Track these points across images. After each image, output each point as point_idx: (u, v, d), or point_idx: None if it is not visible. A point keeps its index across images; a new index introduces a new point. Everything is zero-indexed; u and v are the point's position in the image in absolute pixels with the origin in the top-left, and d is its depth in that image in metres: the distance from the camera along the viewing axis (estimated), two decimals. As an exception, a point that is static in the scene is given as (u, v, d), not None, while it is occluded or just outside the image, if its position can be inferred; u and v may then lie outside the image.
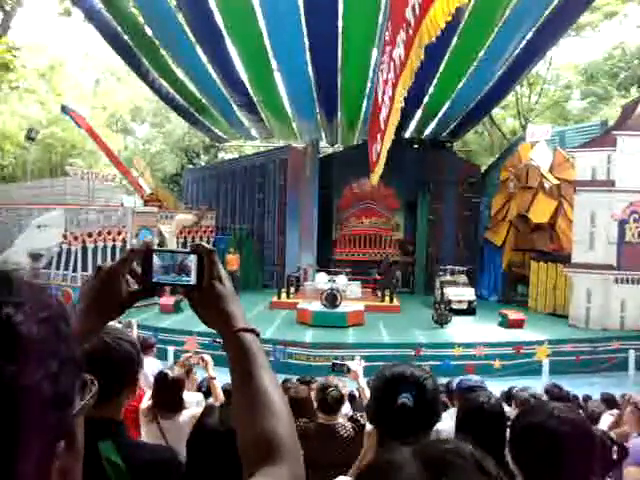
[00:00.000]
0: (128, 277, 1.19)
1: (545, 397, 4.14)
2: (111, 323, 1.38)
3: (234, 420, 1.12)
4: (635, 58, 32.01)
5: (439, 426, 3.45)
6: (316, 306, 17.12)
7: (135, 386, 1.92)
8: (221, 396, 4.61)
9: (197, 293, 1.20)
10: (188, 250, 1.21)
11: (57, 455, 0.71)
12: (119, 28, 17.82)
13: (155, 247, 1.22)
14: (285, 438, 1.03)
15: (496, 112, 32.12)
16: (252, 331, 1.16)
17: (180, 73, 20.47)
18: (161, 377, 4.02)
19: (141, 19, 17.43)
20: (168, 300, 18.46)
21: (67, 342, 0.73)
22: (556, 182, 19.81)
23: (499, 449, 2.29)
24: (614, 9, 28.69)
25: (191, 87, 21.25)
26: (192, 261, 1.20)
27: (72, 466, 0.75)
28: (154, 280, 1.20)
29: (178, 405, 3.96)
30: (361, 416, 3.98)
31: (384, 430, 1.86)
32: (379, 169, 14.29)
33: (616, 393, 8.03)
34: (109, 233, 18.61)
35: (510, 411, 5.21)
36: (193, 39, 17.14)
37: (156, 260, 1.20)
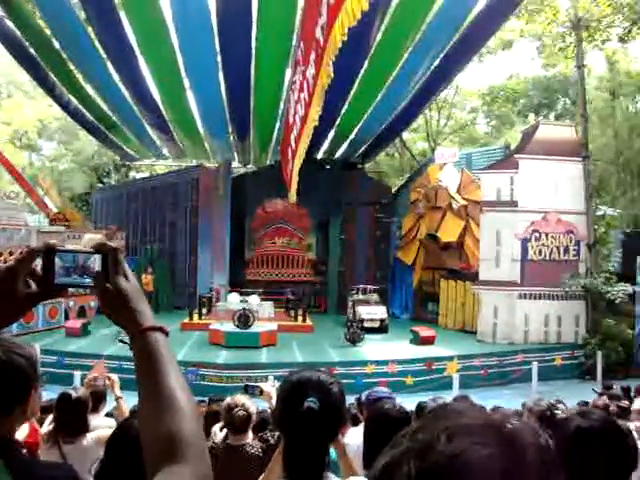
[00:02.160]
0: (28, 279, 1.13)
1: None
2: (7, 337, 1.30)
3: (138, 419, 1.07)
4: (531, 88, 33.82)
5: (347, 440, 3.46)
6: (228, 327, 16.91)
7: (28, 404, 1.81)
8: (127, 415, 4.44)
9: (103, 291, 1.14)
10: (91, 250, 1.16)
11: None
12: (23, 39, 17.13)
13: (57, 247, 1.16)
14: (189, 436, 0.99)
15: (406, 135, 32.99)
16: (160, 329, 1.13)
17: (90, 89, 19.89)
18: (63, 398, 3.83)
19: (48, 31, 16.82)
20: (74, 323, 17.83)
21: None
22: (463, 202, 20.48)
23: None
24: (511, 38, 30.13)
25: (101, 104, 20.67)
26: (95, 261, 1.15)
27: None
28: (56, 282, 1.14)
29: (82, 428, 3.76)
30: (271, 436, 3.93)
31: (290, 435, 1.85)
32: (293, 188, 14.36)
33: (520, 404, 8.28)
34: (11, 254, 17.69)
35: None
36: (104, 54, 16.70)
37: (58, 261, 1.14)
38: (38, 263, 1.16)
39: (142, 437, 1.03)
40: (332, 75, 7.56)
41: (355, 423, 4.85)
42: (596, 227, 18.87)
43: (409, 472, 0.67)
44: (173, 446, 0.98)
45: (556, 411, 3.74)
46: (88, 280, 1.16)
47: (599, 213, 19.77)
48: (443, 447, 0.67)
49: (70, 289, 1.22)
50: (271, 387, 3.66)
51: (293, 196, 15.14)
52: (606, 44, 22.00)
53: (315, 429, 1.77)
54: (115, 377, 4.56)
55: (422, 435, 0.71)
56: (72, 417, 3.73)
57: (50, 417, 3.92)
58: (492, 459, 0.66)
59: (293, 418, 1.79)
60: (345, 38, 6.58)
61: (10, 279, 1.11)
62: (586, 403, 6.69)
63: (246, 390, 3.94)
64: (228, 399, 3.95)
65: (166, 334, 1.14)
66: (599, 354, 16.80)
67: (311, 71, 8.82)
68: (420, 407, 5.77)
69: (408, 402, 7.92)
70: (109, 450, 2.03)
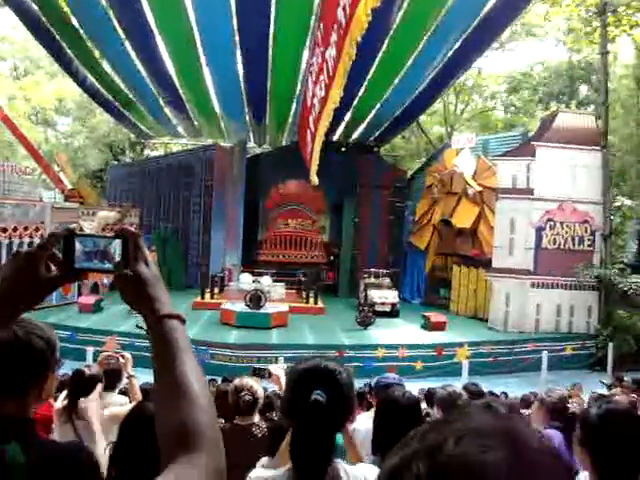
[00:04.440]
0: (49, 263, 1.13)
1: (465, 394, 4.21)
2: (28, 316, 1.31)
3: (154, 407, 1.07)
4: (554, 75, 33.34)
5: (356, 425, 3.46)
6: (240, 307, 16.99)
7: (45, 385, 1.81)
8: (139, 394, 4.47)
9: (122, 277, 1.15)
10: (112, 235, 1.16)
11: None
12: (41, 15, 17.10)
13: (77, 232, 1.16)
14: (205, 426, 0.99)
15: (423, 119, 32.73)
16: (177, 317, 1.12)
17: (106, 66, 19.89)
18: (77, 375, 3.85)
19: (66, 8, 16.78)
20: (88, 300, 17.98)
21: None
22: (479, 189, 20.32)
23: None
24: (536, 29, 29.77)
25: (117, 81, 20.66)
26: (116, 246, 1.15)
27: None
28: (76, 266, 1.15)
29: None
30: (277, 416, 3.94)
31: (297, 424, 1.84)
32: (314, 170, 14.34)
33: (530, 392, 8.30)
34: (26, 229, 17.86)
35: (427, 409, 5.29)
36: (121, 32, 16.67)
37: (78, 245, 1.15)
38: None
39: (157, 425, 1.03)
40: (354, 56, 7.51)
41: (368, 408, 4.86)
42: (612, 217, 18.71)
43: (418, 473, 0.68)
44: (188, 436, 0.98)
45: (568, 404, 3.73)
46: (108, 265, 1.16)
47: (616, 204, 19.56)
48: (451, 449, 0.68)
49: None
50: (279, 370, 3.66)
51: (315, 178, 15.05)
52: (634, 30, 21.51)
53: (322, 420, 1.77)
54: (128, 355, 4.58)
55: (431, 437, 0.72)
56: (86, 394, 3.76)
57: (64, 393, 3.94)
58: (499, 462, 0.66)
59: (300, 409, 1.79)
60: (370, 19, 6.52)
61: (31, 263, 1.11)
62: (602, 396, 6.64)
63: (254, 372, 3.94)
64: (236, 381, 3.95)
65: (183, 322, 1.14)
66: (610, 345, 16.74)
67: (331, 52, 8.75)
68: (430, 393, 5.78)
69: (417, 388, 7.95)
70: (123, 432, 2.04)
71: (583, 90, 34.25)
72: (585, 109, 29.62)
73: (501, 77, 35.65)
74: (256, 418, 3.84)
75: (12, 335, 1.64)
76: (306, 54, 16.01)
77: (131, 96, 21.58)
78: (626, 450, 1.93)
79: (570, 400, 5.20)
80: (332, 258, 25.81)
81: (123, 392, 5.16)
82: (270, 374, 3.64)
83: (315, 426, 1.78)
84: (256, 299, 16.99)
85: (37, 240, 17.94)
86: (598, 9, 19.13)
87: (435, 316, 17.92)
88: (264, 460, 2.41)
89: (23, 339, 1.68)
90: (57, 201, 22.17)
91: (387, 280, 21.04)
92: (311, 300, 20.10)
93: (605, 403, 2.15)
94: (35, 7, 16.79)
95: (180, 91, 19.85)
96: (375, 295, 19.35)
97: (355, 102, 19.66)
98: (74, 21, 17.06)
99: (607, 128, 18.83)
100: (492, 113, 37.74)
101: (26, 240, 17.81)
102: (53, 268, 1.14)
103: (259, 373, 3.90)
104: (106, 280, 20.61)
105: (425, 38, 15.77)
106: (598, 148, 18.37)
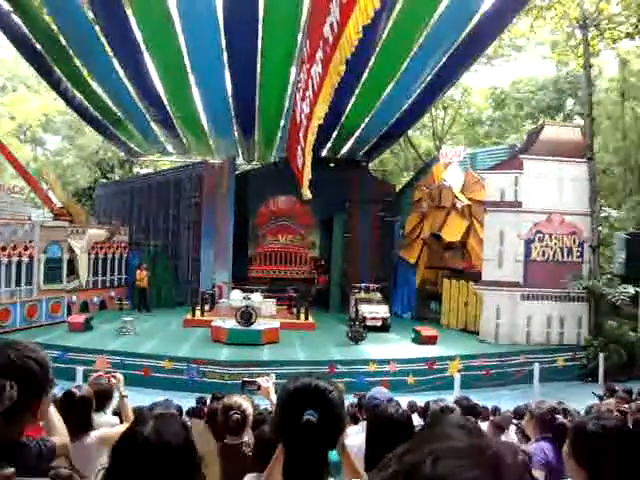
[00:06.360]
0: None
1: (457, 409, 4.23)
2: (21, 339, 1.28)
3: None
4: (540, 89, 33.62)
5: (348, 442, 3.45)
6: (231, 324, 16.93)
7: (39, 408, 1.80)
8: (131, 415, 4.43)
9: None
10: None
11: None
12: (29, 34, 17.11)
13: None
14: None
15: (412, 133, 32.87)
16: None
17: (95, 85, 19.88)
18: (67, 396, 3.83)
19: (54, 26, 16.80)
20: (77, 318, 17.86)
21: None
22: (467, 202, 20.41)
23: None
24: (522, 38, 30.02)
25: (106, 100, 20.66)
26: None
27: None
28: None
29: (85, 426, 3.76)
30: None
31: (289, 445, 1.83)
32: (306, 182, 14.34)
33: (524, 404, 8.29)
34: (14, 248, 17.73)
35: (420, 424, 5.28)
36: (110, 50, 16.69)
37: None
38: None
39: None
40: (342, 74, 7.52)
41: (355, 422, 4.84)
42: (600, 228, 18.82)
43: None
44: None
45: (557, 415, 3.75)
46: None
47: (603, 215, 19.68)
48: (428, 470, 0.69)
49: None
50: (269, 382, 3.66)
51: (307, 191, 15.00)
52: (617, 43, 21.76)
53: (315, 440, 1.76)
54: (120, 375, 4.55)
55: (409, 458, 0.73)
56: (76, 415, 3.73)
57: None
58: None
59: (292, 429, 1.77)
60: (360, 36, 6.51)
61: None
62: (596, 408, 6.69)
63: (243, 386, 3.94)
64: (225, 399, 3.94)
65: None
66: (601, 356, 16.79)
67: (317, 69, 8.77)
68: (425, 408, 5.78)
69: (406, 401, 7.93)
70: (114, 457, 2.01)
71: (570, 103, 34.54)
72: (571, 121, 29.86)
73: (488, 92, 35.91)
74: (246, 437, 3.83)
75: (6, 358, 1.63)
76: (294, 70, 16.09)
77: (120, 114, 21.58)
78: (621, 464, 1.93)
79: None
80: (322, 262, 25.76)
81: (117, 412, 5.12)
82: (259, 387, 3.64)
83: (307, 446, 1.77)
84: (247, 316, 16.94)
85: (26, 259, 17.81)
86: (580, 23, 19.34)
87: (426, 330, 17.89)
88: (251, 476, 2.40)
89: (17, 363, 1.67)
90: (46, 220, 22.02)
91: (378, 295, 21.02)
92: (302, 316, 20.05)
93: (600, 419, 2.15)
94: (23, 26, 16.79)
95: (169, 109, 19.87)
96: (366, 310, 19.34)
97: (343, 118, 19.74)
98: (62, 40, 17.08)
99: (592, 140, 19.00)
100: (479, 127, 37.97)
101: (15, 259, 17.68)
102: None
103: (248, 388, 3.90)
104: (96, 299, 20.52)
105: (412, 53, 15.89)
106: (585, 160, 18.53)
